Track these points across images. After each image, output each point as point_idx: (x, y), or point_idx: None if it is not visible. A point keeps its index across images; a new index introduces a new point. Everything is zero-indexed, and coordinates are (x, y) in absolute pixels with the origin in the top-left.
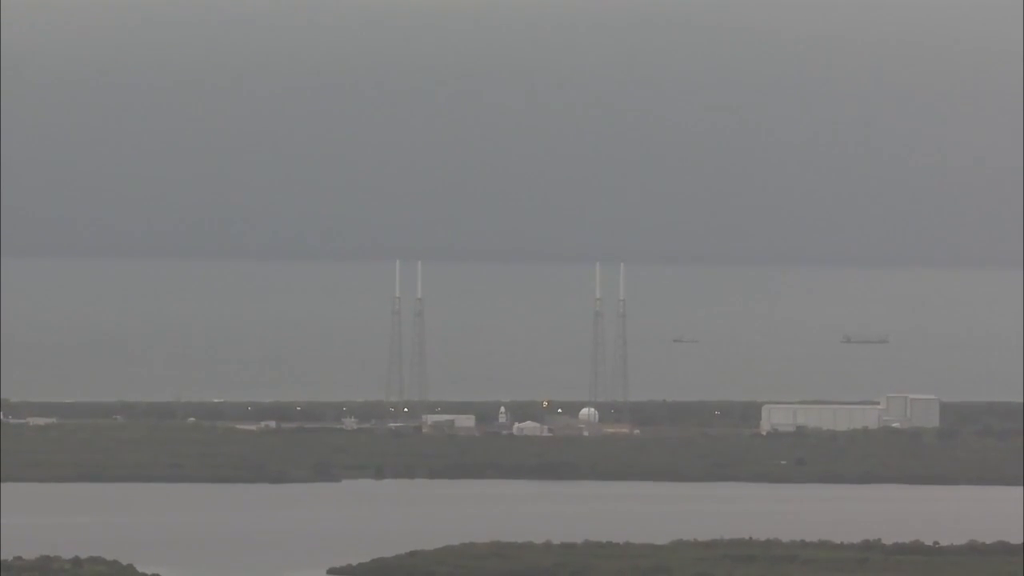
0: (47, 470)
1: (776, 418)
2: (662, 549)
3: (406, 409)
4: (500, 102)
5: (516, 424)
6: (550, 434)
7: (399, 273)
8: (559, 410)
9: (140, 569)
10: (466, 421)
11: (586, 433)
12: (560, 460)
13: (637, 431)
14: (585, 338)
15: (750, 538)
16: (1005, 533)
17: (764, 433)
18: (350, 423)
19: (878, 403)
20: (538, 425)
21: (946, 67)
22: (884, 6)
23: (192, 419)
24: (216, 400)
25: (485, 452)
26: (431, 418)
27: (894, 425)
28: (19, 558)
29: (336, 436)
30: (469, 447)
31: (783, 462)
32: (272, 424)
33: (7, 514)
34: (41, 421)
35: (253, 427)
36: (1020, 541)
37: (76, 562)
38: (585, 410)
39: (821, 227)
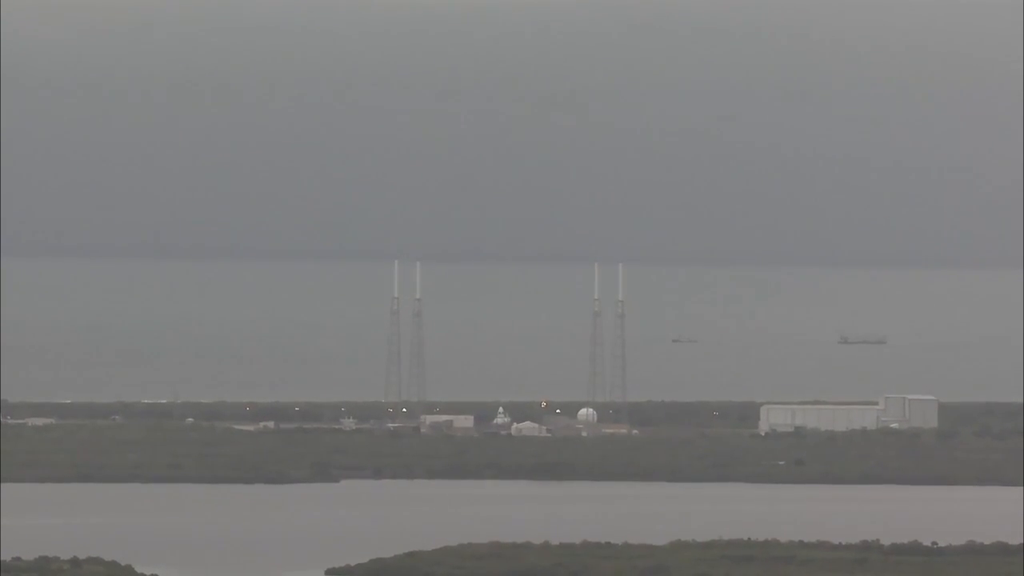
0: (46, 470)
1: (774, 418)
2: (660, 550)
3: (404, 409)
4: (500, 103)
5: (514, 424)
6: (548, 434)
7: (397, 274)
8: (557, 410)
9: (139, 569)
10: (464, 421)
11: (584, 433)
12: (558, 460)
13: (635, 431)
14: (583, 339)
15: (748, 539)
16: (1004, 534)
17: (762, 433)
18: (348, 423)
19: (876, 404)
20: (536, 425)
21: (946, 67)
22: (885, 8)
23: (190, 419)
24: (214, 400)
25: (483, 452)
26: (429, 418)
27: (893, 426)
28: (18, 558)
29: (334, 436)
30: (467, 447)
31: (781, 462)
32: (271, 424)
33: (6, 514)
34: (40, 421)
35: (251, 427)
36: (1019, 542)
37: (75, 562)
38: (583, 410)
39: (821, 227)
